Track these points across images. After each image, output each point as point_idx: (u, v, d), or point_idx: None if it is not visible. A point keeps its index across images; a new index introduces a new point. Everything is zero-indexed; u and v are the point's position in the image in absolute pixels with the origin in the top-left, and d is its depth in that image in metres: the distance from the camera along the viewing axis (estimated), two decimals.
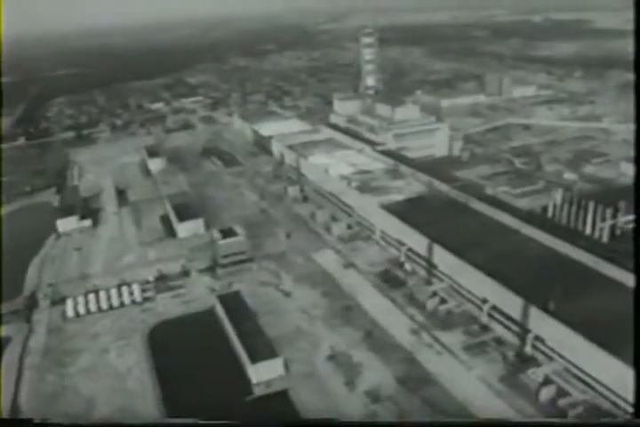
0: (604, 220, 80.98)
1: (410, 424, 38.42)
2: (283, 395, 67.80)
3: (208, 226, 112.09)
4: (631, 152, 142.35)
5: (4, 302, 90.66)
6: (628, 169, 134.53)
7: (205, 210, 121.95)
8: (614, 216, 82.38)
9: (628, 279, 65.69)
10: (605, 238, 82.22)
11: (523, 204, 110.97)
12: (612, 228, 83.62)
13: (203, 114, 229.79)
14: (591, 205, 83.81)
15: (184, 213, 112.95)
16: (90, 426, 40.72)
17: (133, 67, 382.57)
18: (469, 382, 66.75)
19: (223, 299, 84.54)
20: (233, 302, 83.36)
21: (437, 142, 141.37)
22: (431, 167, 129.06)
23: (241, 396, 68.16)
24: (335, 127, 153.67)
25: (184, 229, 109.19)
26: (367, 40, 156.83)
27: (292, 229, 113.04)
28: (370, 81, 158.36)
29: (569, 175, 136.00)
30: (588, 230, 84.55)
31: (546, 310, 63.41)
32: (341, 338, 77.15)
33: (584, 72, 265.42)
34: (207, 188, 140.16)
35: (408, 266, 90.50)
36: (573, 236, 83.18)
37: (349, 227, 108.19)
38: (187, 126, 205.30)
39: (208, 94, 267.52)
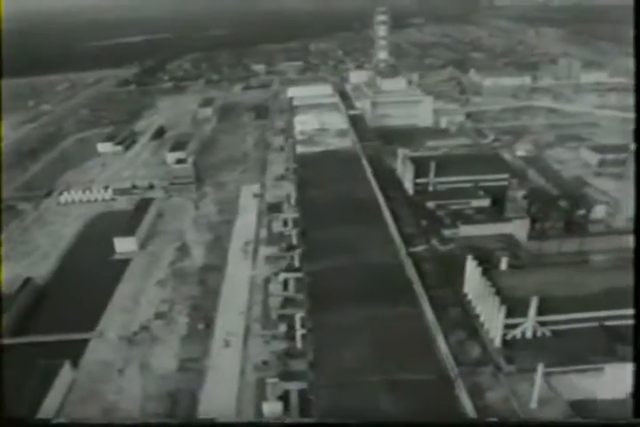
0: (417, 177, 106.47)
1: (410, 424, 37.20)
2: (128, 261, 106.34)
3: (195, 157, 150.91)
4: (617, 140, 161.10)
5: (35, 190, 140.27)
6: (586, 155, 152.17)
7: (205, 148, 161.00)
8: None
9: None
10: (411, 192, 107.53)
11: None
12: (425, 185, 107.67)
13: (289, 77, 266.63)
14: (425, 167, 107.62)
15: (176, 147, 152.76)
16: (90, 426, 38.27)
17: (276, 30, 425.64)
18: (242, 276, 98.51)
19: (141, 202, 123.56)
20: (145, 206, 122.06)
21: (420, 113, 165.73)
22: (403, 134, 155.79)
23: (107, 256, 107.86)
24: (343, 94, 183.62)
25: (170, 157, 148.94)
26: (381, 18, 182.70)
27: (253, 167, 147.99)
28: (382, 55, 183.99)
29: (521, 153, 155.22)
30: (406, 184, 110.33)
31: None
32: (198, 236, 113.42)
33: None
34: (225, 133, 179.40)
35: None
36: (394, 185, 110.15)
37: (286, 169, 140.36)
38: (265, 86, 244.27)
39: (309, 60, 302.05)
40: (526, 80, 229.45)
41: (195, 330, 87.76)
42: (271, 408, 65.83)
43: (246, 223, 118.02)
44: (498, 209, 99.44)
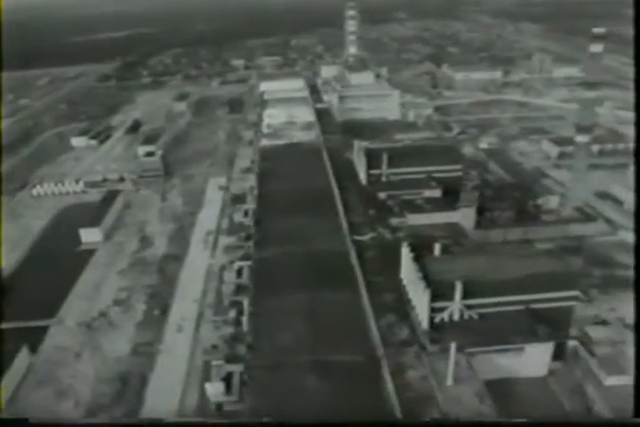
0: (371, 168, 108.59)
1: (411, 424, 37.02)
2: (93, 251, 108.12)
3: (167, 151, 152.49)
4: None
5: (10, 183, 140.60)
6: (547, 147, 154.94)
7: (177, 141, 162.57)
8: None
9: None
10: (364, 182, 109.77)
11: None
12: (378, 176, 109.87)
13: (267, 71, 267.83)
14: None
15: (147, 141, 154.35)
16: (90, 426, 37.77)
17: (259, 25, 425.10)
18: (200, 265, 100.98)
19: (109, 194, 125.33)
20: (112, 198, 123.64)
21: (388, 107, 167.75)
22: (370, 127, 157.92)
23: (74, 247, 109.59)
24: (313, 88, 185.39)
25: (141, 151, 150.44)
26: (350, 13, 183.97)
27: (221, 160, 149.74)
28: (352, 50, 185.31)
29: (484, 145, 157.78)
30: (361, 175, 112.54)
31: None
32: (162, 226, 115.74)
33: None
34: (198, 127, 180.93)
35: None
36: (350, 177, 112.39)
37: (252, 162, 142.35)
38: (242, 80, 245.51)
39: (288, 55, 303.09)
40: (497, 74, 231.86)
41: (150, 316, 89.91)
42: (214, 389, 68.10)
43: (210, 214, 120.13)
44: (451, 199, 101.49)
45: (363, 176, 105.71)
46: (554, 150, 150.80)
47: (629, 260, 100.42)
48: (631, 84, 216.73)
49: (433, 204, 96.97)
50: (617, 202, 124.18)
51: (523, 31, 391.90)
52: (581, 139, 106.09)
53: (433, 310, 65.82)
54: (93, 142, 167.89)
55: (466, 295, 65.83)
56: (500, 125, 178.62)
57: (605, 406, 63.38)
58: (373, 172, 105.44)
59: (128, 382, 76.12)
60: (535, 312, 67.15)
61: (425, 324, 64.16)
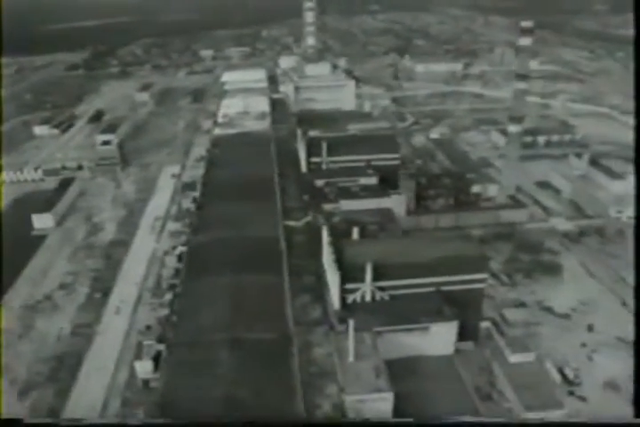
0: (311, 157, 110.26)
1: (411, 424, 36.19)
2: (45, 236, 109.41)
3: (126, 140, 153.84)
4: (529, 124, 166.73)
5: None
6: (496, 137, 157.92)
7: (137, 130, 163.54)
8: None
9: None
10: (303, 169, 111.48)
11: None
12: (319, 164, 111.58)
13: (234, 62, 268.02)
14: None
15: (107, 130, 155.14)
16: (89, 426, 36.09)
17: (233, 15, 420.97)
18: (145, 250, 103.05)
19: (64, 181, 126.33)
20: (67, 185, 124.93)
21: (343, 97, 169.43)
22: (325, 117, 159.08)
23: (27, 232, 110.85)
24: (273, 78, 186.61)
25: (99, 139, 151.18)
26: (308, 4, 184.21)
27: (178, 149, 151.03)
28: (310, 41, 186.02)
29: (435, 135, 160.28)
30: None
31: None
32: (114, 213, 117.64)
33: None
34: (159, 117, 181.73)
35: None
36: (292, 165, 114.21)
37: (207, 151, 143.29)
38: (208, 71, 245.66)
39: (257, 46, 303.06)
40: (458, 67, 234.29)
41: (92, 299, 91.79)
42: (142, 367, 70.35)
43: (160, 202, 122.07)
44: (386, 186, 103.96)
45: (303, 164, 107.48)
46: (501, 140, 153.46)
47: (557, 245, 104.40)
48: (588, 78, 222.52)
49: (368, 191, 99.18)
50: (555, 191, 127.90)
51: (492, 24, 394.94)
52: (513, 129, 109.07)
53: (346, 292, 68.27)
54: (55, 131, 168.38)
55: (378, 277, 68.32)
56: (454, 116, 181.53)
57: (507, 381, 66.31)
58: (314, 160, 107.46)
59: (64, 361, 78.10)
60: (446, 294, 69.73)
61: (336, 304, 66.56)
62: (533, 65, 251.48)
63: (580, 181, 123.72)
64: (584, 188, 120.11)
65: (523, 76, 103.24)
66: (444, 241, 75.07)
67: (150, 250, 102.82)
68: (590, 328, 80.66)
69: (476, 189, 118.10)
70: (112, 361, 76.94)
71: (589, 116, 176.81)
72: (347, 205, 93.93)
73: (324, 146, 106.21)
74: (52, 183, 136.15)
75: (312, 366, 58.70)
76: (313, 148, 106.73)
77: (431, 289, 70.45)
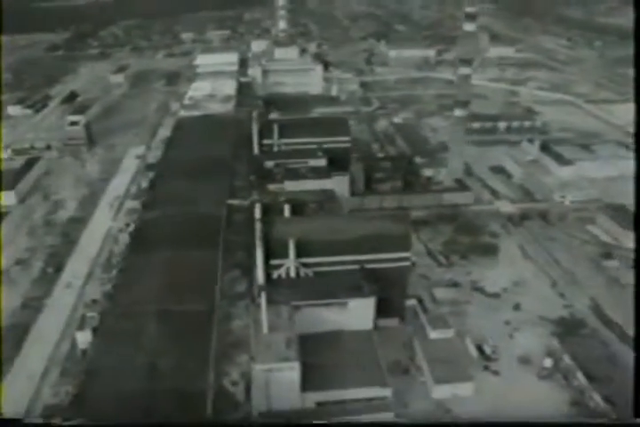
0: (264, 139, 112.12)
1: (410, 425, 37.18)
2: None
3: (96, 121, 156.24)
4: (493, 110, 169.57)
5: None
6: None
7: (108, 111, 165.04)
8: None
9: None
10: (255, 151, 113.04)
11: None
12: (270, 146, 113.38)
13: (213, 45, 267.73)
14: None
15: (77, 111, 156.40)
16: (85, 426, 37.88)
17: None
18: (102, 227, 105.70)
19: (29, 160, 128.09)
20: (32, 164, 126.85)
21: (310, 81, 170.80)
22: (291, 101, 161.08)
23: None
24: (243, 61, 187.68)
25: (68, 120, 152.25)
26: None
27: (146, 131, 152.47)
28: (282, 25, 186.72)
29: (398, 120, 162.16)
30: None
31: None
32: (76, 191, 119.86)
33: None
34: (131, 98, 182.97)
35: None
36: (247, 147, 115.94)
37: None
38: (187, 53, 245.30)
39: (237, 29, 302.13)
40: (431, 52, 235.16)
41: (45, 274, 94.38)
42: (83, 337, 73.26)
43: (122, 181, 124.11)
44: (333, 168, 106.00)
45: (255, 146, 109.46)
46: None
47: (499, 228, 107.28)
48: (561, 66, 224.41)
49: (314, 172, 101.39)
50: (508, 175, 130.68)
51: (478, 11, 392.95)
52: (458, 113, 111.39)
53: (271, 267, 71.03)
54: (29, 111, 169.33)
55: (302, 254, 71.08)
56: (421, 102, 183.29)
57: (424, 356, 69.48)
58: (266, 142, 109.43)
59: (10, 333, 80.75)
60: (370, 272, 72.35)
61: (261, 279, 69.28)
62: (509, 52, 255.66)
63: (530, 166, 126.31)
64: (533, 173, 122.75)
65: (466, 62, 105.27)
66: (371, 220, 77.38)
67: (106, 227, 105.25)
68: (517, 307, 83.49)
69: (427, 172, 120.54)
70: (56, 333, 79.52)
71: (554, 104, 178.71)
72: (291, 185, 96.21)
73: (276, 128, 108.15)
74: (20, 163, 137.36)
75: (229, 336, 61.44)
76: (265, 130, 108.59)
77: (355, 267, 72.84)
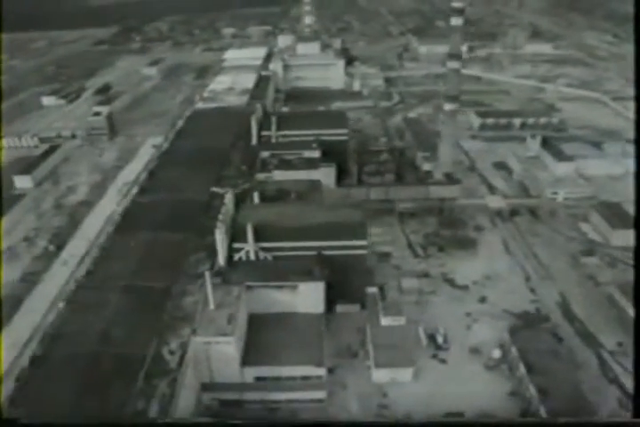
0: (263, 130, 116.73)
1: (410, 424, 35.50)
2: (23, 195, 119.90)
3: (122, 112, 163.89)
4: (514, 107, 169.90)
5: None
6: (472, 119, 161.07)
7: (136, 103, 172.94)
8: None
9: None
10: (254, 142, 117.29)
11: None
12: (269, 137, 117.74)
13: (253, 40, 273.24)
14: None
15: (104, 102, 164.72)
16: (81, 426, 33.95)
17: None
18: (106, 210, 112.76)
19: (50, 148, 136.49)
20: (52, 152, 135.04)
21: (332, 76, 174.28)
22: (312, 95, 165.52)
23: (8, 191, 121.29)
24: (269, 56, 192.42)
25: (94, 110, 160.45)
26: None
27: (167, 121, 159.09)
28: (308, 20, 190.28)
29: (412, 115, 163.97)
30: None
31: None
32: (90, 177, 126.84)
33: None
34: (160, 91, 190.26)
35: None
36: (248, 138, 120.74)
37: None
38: (224, 48, 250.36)
39: (278, 25, 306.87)
40: (462, 49, 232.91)
41: (47, 251, 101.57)
42: None
43: (134, 168, 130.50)
44: (335, 160, 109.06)
45: (254, 137, 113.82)
46: (476, 122, 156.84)
47: (486, 222, 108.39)
48: (598, 63, 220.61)
49: (304, 163, 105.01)
50: (509, 171, 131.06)
51: (524, 6, 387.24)
52: (449, 107, 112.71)
53: (233, 251, 75.42)
54: (62, 102, 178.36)
55: (262, 239, 75.13)
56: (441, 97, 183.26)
57: (372, 341, 72.42)
58: (265, 133, 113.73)
59: (6, 303, 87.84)
60: (329, 259, 75.63)
61: (222, 261, 73.79)
62: (545, 49, 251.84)
63: (530, 162, 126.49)
64: (530, 168, 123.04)
65: (456, 56, 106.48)
66: (332, 209, 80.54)
67: (110, 211, 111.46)
68: (482, 300, 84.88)
69: (427, 166, 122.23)
70: (47, 303, 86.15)
71: (579, 101, 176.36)
72: (279, 175, 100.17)
73: (274, 120, 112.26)
74: (42, 150, 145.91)
75: (179, 311, 66.13)
76: (265, 122, 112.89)
77: (313, 253, 76.29)
